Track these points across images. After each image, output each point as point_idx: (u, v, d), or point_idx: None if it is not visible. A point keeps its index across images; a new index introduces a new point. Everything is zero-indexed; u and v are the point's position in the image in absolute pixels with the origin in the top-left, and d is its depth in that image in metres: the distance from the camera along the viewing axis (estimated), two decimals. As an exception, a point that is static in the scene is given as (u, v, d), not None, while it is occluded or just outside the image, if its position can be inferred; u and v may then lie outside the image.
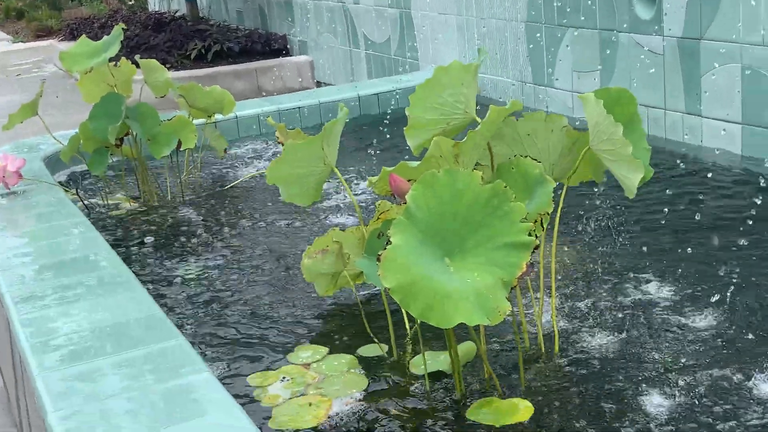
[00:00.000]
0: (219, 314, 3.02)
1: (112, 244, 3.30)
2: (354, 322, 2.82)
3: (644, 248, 3.18)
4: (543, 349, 2.54)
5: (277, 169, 2.65)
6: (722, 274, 2.90)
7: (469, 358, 2.51)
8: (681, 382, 2.31)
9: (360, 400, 2.39)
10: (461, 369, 2.39)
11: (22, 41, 13.61)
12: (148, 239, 3.84)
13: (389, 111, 5.62)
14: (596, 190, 3.65)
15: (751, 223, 3.23)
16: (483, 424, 2.22)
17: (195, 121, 4.43)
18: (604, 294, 2.87)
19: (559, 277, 3.00)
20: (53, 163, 4.75)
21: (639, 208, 3.55)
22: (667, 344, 2.52)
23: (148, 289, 2.95)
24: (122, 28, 4.38)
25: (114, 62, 4.32)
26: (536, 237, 2.11)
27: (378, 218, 2.57)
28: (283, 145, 2.67)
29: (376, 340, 2.65)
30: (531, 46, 5.24)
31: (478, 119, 2.44)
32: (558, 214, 2.46)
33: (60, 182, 4.48)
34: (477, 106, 2.55)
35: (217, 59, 8.60)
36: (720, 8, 3.98)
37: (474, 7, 5.73)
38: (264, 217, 4.00)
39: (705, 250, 3.13)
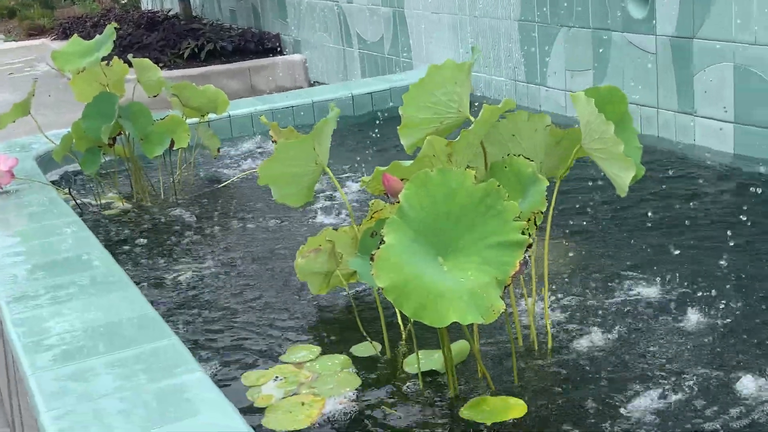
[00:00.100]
0: (212, 314, 3.01)
1: (104, 244, 3.30)
2: (347, 322, 2.82)
3: (636, 247, 3.19)
4: (536, 347, 2.54)
5: (269, 169, 2.64)
6: (714, 273, 2.90)
7: (462, 357, 2.51)
8: (673, 381, 2.31)
9: (353, 400, 2.39)
10: (454, 368, 2.40)
11: (14, 40, 13.58)
12: (141, 239, 3.84)
13: (383, 110, 5.62)
14: (589, 186, 3.66)
15: (743, 221, 3.24)
16: (476, 422, 2.22)
17: (188, 121, 4.43)
18: (596, 292, 2.87)
19: (552, 275, 3.01)
20: (46, 162, 4.74)
21: (631, 207, 3.56)
22: (659, 343, 2.52)
23: (140, 288, 2.94)
24: (114, 28, 4.37)
25: (106, 61, 4.31)
26: (529, 235, 2.11)
27: (371, 217, 2.57)
28: (276, 143, 2.67)
29: (369, 339, 2.65)
30: (524, 45, 5.25)
31: (472, 118, 2.44)
32: (551, 213, 2.46)
33: (52, 182, 4.47)
34: (475, 105, 2.55)
35: (211, 58, 8.59)
36: (712, 7, 3.99)
37: (467, 6, 5.73)
38: (257, 217, 4.00)
39: (697, 249, 3.14)
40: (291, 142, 2.58)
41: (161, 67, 7.06)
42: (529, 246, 2.09)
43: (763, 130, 3.88)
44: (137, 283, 3.07)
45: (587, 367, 2.43)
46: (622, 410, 2.21)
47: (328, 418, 2.31)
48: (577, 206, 3.61)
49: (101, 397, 2.10)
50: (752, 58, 3.85)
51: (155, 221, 4.09)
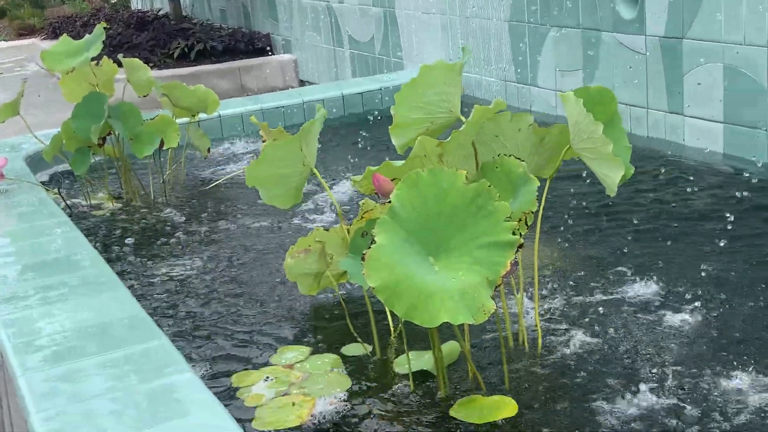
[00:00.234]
0: (202, 314, 3.01)
1: (94, 244, 3.29)
2: (337, 322, 2.82)
3: (625, 246, 3.19)
4: (526, 347, 2.55)
5: (256, 170, 2.63)
6: (703, 272, 2.91)
7: (453, 358, 2.51)
8: (663, 380, 2.32)
9: (343, 400, 2.39)
10: (445, 368, 2.40)
11: (4, 40, 13.53)
12: (131, 239, 3.83)
13: (373, 110, 5.62)
14: (577, 185, 3.67)
15: (732, 221, 3.25)
16: (467, 422, 2.22)
17: (178, 121, 4.42)
18: (587, 291, 2.88)
19: (542, 275, 3.01)
20: (35, 162, 4.73)
21: (620, 206, 3.57)
22: (649, 342, 2.53)
23: (130, 289, 2.94)
24: (104, 27, 4.36)
25: (96, 61, 4.30)
26: (521, 235, 2.12)
27: (362, 217, 2.56)
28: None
29: (359, 339, 2.65)
30: (514, 45, 5.25)
31: (463, 119, 2.44)
32: (541, 213, 2.47)
33: (42, 182, 4.46)
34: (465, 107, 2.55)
35: (201, 58, 8.57)
36: (702, 7, 4.00)
37: (458, 7, 5.73)
38: (247, 217, 3.99)
39: (686, 248, 3.15)
40: (277, 144, 2.58)
41: (151, 67, 7.04)
42: (520, 246, 2.09)
43: (753, 130, 3.90)
44: (127, 284, 3.07)
45: (577, 367, 2.43)
46: (612, 409, 2.21)
47: (319, 418, 2.31)
48: (566, 205, 3.62)
49: (92, 398, 2.09)
50: (741, 59, 3.87)
51: (145, 221, 4.09)
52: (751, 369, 2.32)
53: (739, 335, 2.52)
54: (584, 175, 3.57)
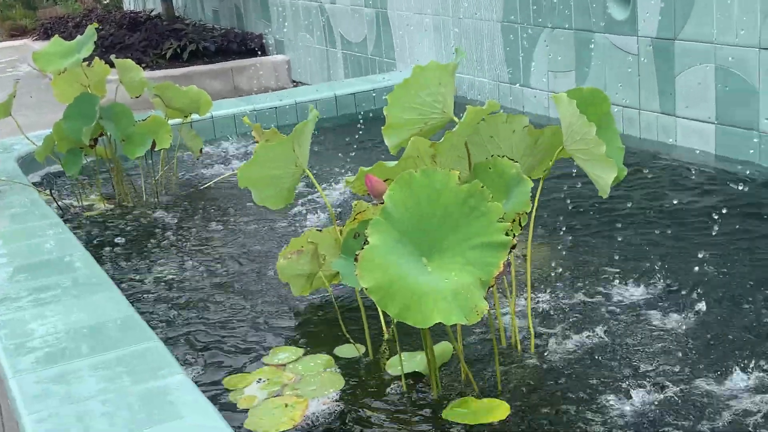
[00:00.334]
0: (194, 316, 3.00)
1: (86, 246, 3.28)
2: (330, 323, 2.82)
3: (617, 247, 3.20)
4: (519, 348, 2.55)
5: (248, 172, 2.63)
6: (696, 272, 2.92)
7: (445, 359, 2.51)
8: (655, 381, 2.32)
9: (336, 401, 2.38)
10: (437, 369, 2.40)
11: (-5, 41, 13.50)
12: (123, 240, 3.82)
13: (366, 111, 5.62)
14: (570, 185, 3.67)
15: (724, 221, 3.26)
16: (459, 423, 2.22)
17: (170, 121, 4.41)
18: (579, 292, 2.88)
19: (535, 276, 3.01)
20: (27, 163, 4.72)
21: (612, 207, 3.57)
22: (641, 343, 2.53)
23: (122, 290, 2.93)
24: (96, 28, 4.35)
25: (87, 62, 4.29)
26: (514, 236, 2.12)
27: (354, 218, 2.56)
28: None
29: (352, 340, 2.65)
30: (507, 46, 5.26)
31: (456, 119, 2.44)
32: (533, 214, 2.47)
33: (34, 183, 4.45)
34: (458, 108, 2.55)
35: (193, 59, 8.56)
36: (694, 9, 4.00)
37: (450, 7, 5.73)
38: (239, 218, 3.99)
39: (678, 249, 3.15)
40: (270, 145, 2.58)
41: (143, 68, 7.03)
42: (513, 247, 2.09)
43: (745, 131, 3.90)
44: (119, 285, 3.06)
45: (570, 368, 2.43)
46: (605, 411, 2.22)
47: (312, 419, 2.31)
48: (558, 206, 3.62)
49: (84, 399, 2.09)
50: (734, 60, 3.87)
51: (137, 222, 4.08)
52: (743, 371, 2.33)
53: (732, 337, 2.52)
54: (575, 175, 3.57)
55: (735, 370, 2.33)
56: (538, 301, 2.84)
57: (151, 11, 10.71)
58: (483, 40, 5.46)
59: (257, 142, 2.74)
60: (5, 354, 2.35)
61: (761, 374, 2.30)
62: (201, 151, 4.61)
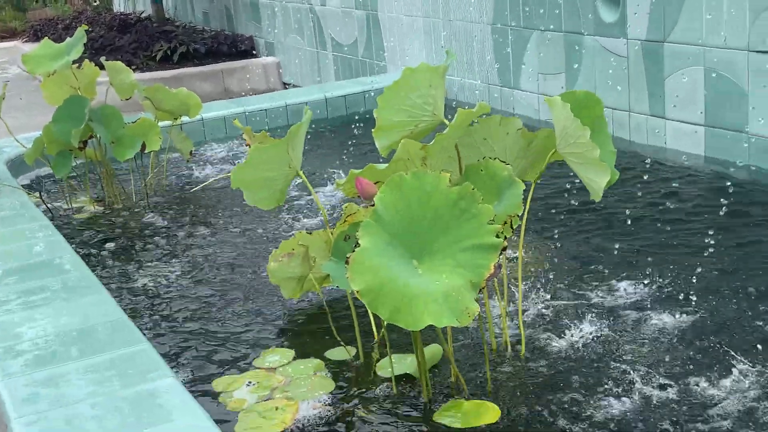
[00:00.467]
0: (183, 318, 3.00)
1: (76, 248, 3.27)
2: (320, 326, 2.81)
3: (609, 249, 3.20)
4: (509, 350, 2.55)
5: (242, 173, 2.63)
6: (687, 274, 2.92)
7: (435, 361, 2.51)
8: (647, 384, 2.32)
9: (327, 404, 2.38)
10: (428, 371, 2.39)
11: (-16, 42, 13.45)
12: (112, 243, 3.81)
13: (357, 113, 5.61)
14: (561, 187, 3.67)
15: (715, 222, 3.26)
16: (450, 426, 2.22)
17: (160, 124, 4.40)
18: (570, 294, 2.88)
19: (526, 278, 3.01)
20: (17, 166, 4.70)
21: (603, 210, 3.58)
22: (632, 345, 2.53)
23: (111, 293, 2.92)
24: (86, 30, 4.34)
25: (77, 64, 4.28)
26: (505, 238, 2.12)
27: (345, 221, 2.56)
28: (250, 147, 2.66)
29: (342, 343, 2.65)
30: (497, 48, 5.26)
31: (447, 122, 2.44)
32: (525, 216, 2.47)
33: (23, 185, 4.43)
34: (447, 111, 2.55)
35: (183, 61, 8.55)
36: (683, 11, 4.02)
37: (441, 10, 5.74)
38: (229, 220, 3.98)
39: (669, 251, 3.16)
40: (265, 147, 2.57)
41: (134, 70, 7.02)
42: (504, 249, 2.09)
43: (734, 133, 3.92)
44: (108, 288, 3.05)
45: (561, 371, 2.43)
46: (595, 414, 2.22)
47: (302, 422, 2.30)
48: (550, 208, 3.62)
49: (74, 403, 2.08)
50: (722, 62, 3.89)
51: (126, 225, 4.07)
52: (739, 371, 2.33)
53: (725, 337, 2.53)
54: (567, 176, 3.58)
55: (732, 371, 2.33)
56: (529, 304, 2.84)
57: (141, 13, 10.69)
58: (473, 43, 5.47)
59: (248, 145, 2.73)
60: (-6, 357, 2.34)
61: (754, 377, 2.30)
62: (191, 153, 4.60)
